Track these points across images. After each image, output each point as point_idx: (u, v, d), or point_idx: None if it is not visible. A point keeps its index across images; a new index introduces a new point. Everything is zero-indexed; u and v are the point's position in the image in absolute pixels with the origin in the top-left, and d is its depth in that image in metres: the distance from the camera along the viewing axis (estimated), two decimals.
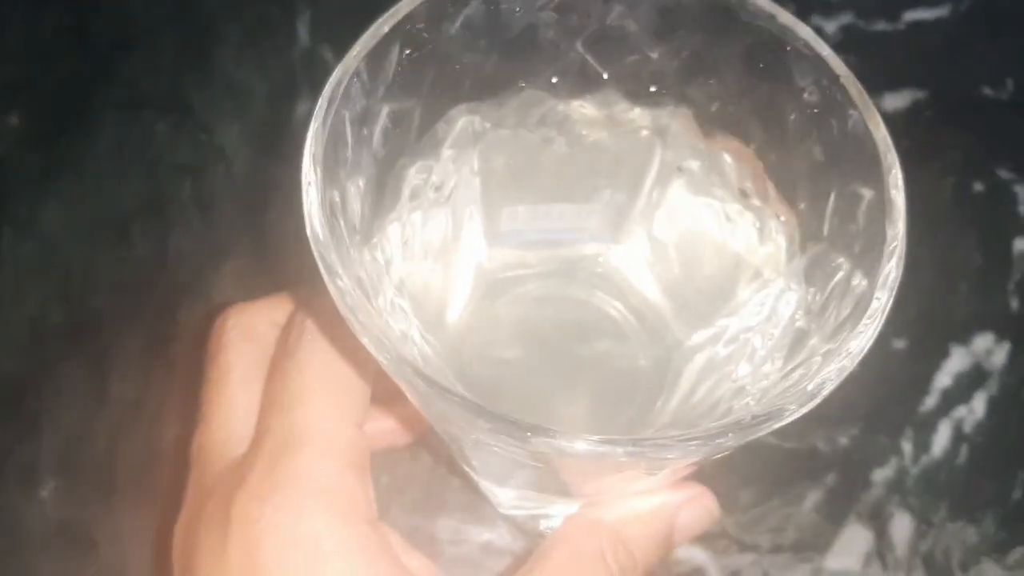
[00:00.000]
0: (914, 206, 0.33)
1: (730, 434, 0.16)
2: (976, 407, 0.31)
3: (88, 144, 0.35)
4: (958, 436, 0.31)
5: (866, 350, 0.17)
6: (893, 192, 0.18)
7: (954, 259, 0.34)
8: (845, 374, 0.17)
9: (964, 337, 0.32)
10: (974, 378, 0.32)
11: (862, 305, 0.18)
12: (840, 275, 0.19)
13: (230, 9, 0.38)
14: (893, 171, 0.18)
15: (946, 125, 0.36)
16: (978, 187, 0.35)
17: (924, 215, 0.34)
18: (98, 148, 0.35)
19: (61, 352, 0.32)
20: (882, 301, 0.17)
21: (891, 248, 0.18)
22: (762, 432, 0.16)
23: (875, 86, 0.36)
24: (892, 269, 0.18)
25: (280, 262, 0.31)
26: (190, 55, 0.37)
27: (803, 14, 0.38)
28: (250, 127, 0.35)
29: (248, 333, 0.23)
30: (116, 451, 0.30)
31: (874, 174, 0.19)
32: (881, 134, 0.19)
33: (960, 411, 0.31)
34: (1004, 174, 0.35)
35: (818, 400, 0.17)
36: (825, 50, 0.20)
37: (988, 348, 0.32)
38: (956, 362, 0.32)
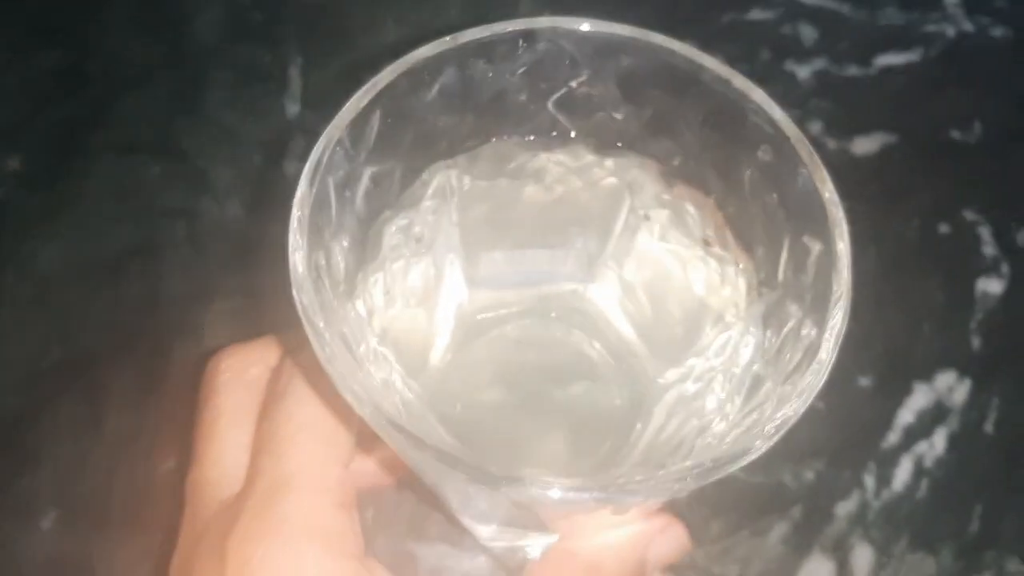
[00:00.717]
0: (882, 246, 0.35)
1: (688, 478, 0.17)
2: (937, 443, 0.32)
3: (85, 187, 0.36)
4: (919, 471, 0.32)
5: (811, 399, 0.18)
6: (839, 246, 0.20)
7: (919, 298, 0.35)
8: (792, 421, 0.18)
9: (927, 375, 0.34)
10: (936, 415, 0.33)
11: (810, 353, 0.19)
12: (792, 322, 0.21)
13: (222, 55, 0.39)
14: (839, 226, 0.20)
15: (914, 168, 0.38)
16: (944, 228, 0.37)
17: (891, 255, 0.36)
18: (94, 191, 0.36)
19: (58, 388, 0.33)
20: (828, 352, 0.19)
21: (836, 301, 0.19)
22: (717, 477, 0.18)
23: (846, 130, 0.38)
24: (838, 321, 0.19)
25: (270, 303, 0.33)
26: (183, 100, 0.38)
27: (777, 59, 0.40)
28: (241, 171, 0.36)
29: (240, 376, 0.24)
30: (112, 484, 0.31)
31: (822, 228, 0.20)
32: (828, 191, 0.20)
33: (921, 446, 0.32)
34: (970, 215, 0.37)
35: (769, 444, 0.18)
36: (777, 113, 0.21)
37: (950, 385, 0.33)
38: (919, 399, 0.33)
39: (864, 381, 0.33)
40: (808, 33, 0.41)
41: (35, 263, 0.35)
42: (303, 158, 0.33)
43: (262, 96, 0.38)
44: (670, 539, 0.23)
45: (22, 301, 0.34)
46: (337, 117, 0.20)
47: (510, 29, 0.21)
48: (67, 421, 0.32)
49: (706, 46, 0.40)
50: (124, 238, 0.35)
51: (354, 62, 0.39)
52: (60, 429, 0.32)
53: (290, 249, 0.18)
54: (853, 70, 0.40)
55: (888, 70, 0.40)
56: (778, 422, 0.18)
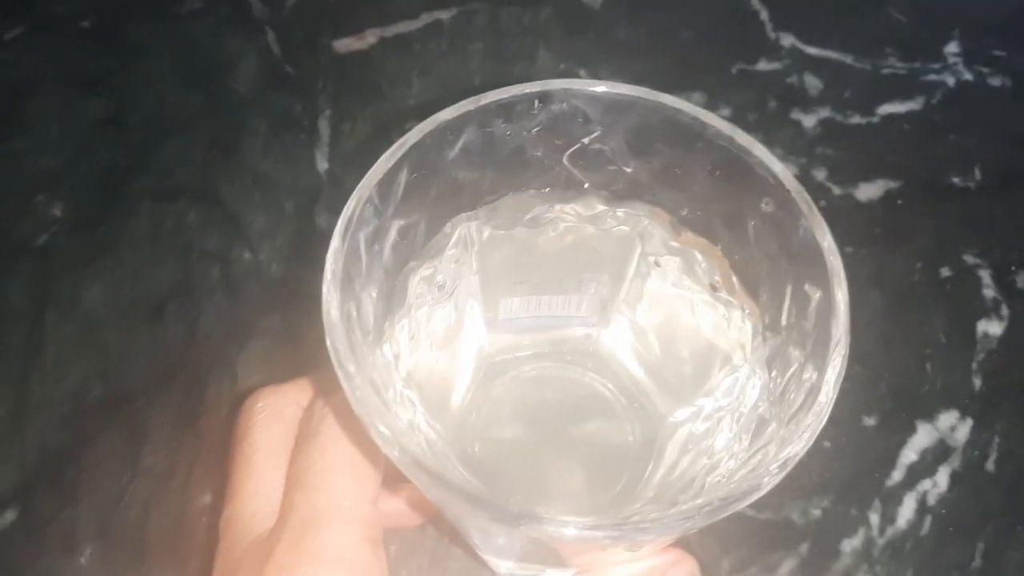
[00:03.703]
0: (885, 288, 0.36)
1: (697, 517, 0.18)
2: (940, 481, 0.33)
3: (125, 231, 0.38)
4: (923, 508, 0.33)
5: (813, 440, 0.19)
6: (838, 294, 0.20)
7: (922, 339, 0.36)
8: (795, 461, 0.19)
9: (930, 414, 0.34)
10: (938, 454, 0.34)
11: (812, 396, 0.20)
12: (795, 366, 0.22)
13: (257, 104, 0.41)
14: (838, 275, 0.21)
15: (917, 212, 0.39)
16: (945, 271, 0.37)
17: (895, 297, 0.37)
18: (134, 235, 0.38)
19: (99, 424, 0.34)
20: (828, 395, 0.19)
21: (835, 346, 0.20)
22: (725, 515, 0.19)
23: (851, 176, 0.39)
24: (837, 366, 0.20)
25: (301, 345, 0.34)
26: (220, 148, 0.40)
27: (784, 108, 0.42)
28: (274, 217, 0.38)
29: (275, 415, 0.25)
30: (149, 518, 0.32)
31: (822, 277, 0.21)
32: (827, 241, 0.21)
33: (925, 484, 0.33)
34: (970, 259, 0.38)
35: (774, 483, 0.19)
36: (778, 167, 0.22)
37: (952, 425, 0.34)
38: (922, 438, 0.34)
39: (869, 420, 0.34)
40: (813, 83, 0.42)
41: (78, 304, 0.37)
42: (331, 206, 0.36)
43: (294, 146, 0.40)
44: (682, 574, 0.24)
45: (65, 340, 0.36)
46: (367, 176, 0.21)
47: (527, 91, 0.23)
48: (106, 457, 0.33)
49: (716, 95, 0.43)
50: (162, 280, 0.37)
51: (381, 114, 0.41)
52: (99, 465, 0.33)
53: (324, 300, 0.19)
54: (857, 118, 0.41)
55: (890, 118, 0.41)
56: (782, 461, 0.19)
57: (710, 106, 0.41)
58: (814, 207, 0.22)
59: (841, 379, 0.20)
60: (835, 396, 0.20)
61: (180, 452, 0.33)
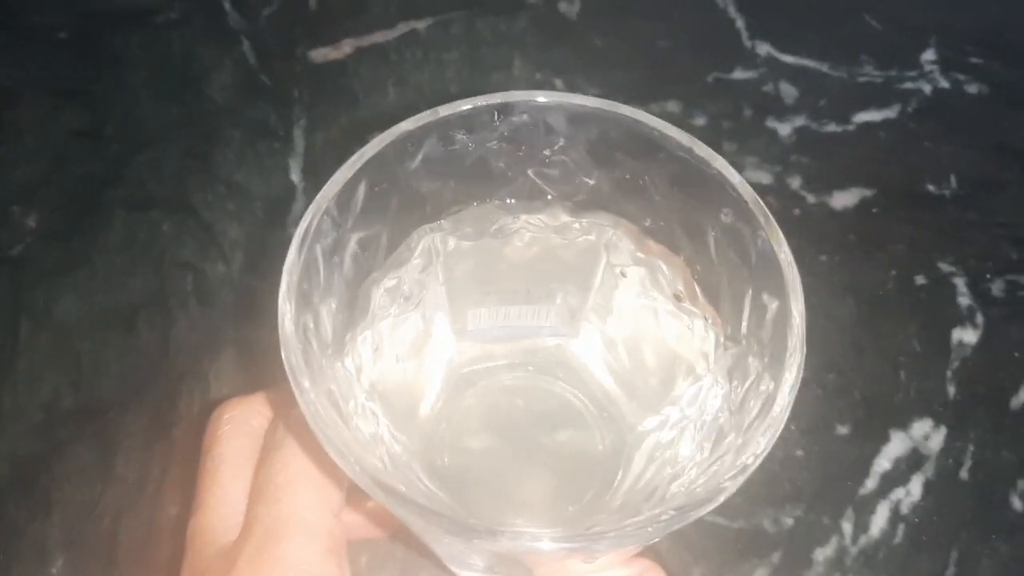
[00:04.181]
0: (859, 296, 0.36)
1: (652, 527, 0.18)
2: (913, 489, 0.33)
3: (99, 241, 0.38)
4: (896, 517, 0.33)
5: (767, 450, 0.19)
6: (793, 306, 0.21)
7: (896, 348, 0.36)
8: (750, 471, 0.19)
9: (903, 422, 0.34)
10: (912, 462, 0.34)
11: (767, 406, 0.20)
12: (753, 376, 0.22)
13: (232, 114, 0.41)
14: (794, 286, 0.21)
15: (892, 220, 0.39)
16: (920, 279, 0.38)
17: (869, 305, 0.37)
18: (108, 245, 0.38)
19: (71, 434, 0.34)
20: (782, 405, 0.20)
21: (790, 356, 0.20)
22: (681, 525, 0.19)
23: (826, 184, 0.40)
24: (792, 376, 0.20)
25: (272, 356, 0.34)
26: (194, 157, 0.40)
27: (760, 117, 0.42)
28: (247, 227, 0.38)
29: (241, 426, 0.25)
30: (119, 528, 0.32)
31: (779, 288, 0.21)
32: (784, 252, 0.21)
33: (898, 493, 0.33)
34: (945, 267, 0.38)
35: (728, 493, 0.19)
36: (736, 178, 0.22)
37: (926, 433, 0.34)
38: (896, 446, 0.34)
39: (842, 429, 0.34)
40: (789, 91, 0.43)
41: (51, 314, 0.37)
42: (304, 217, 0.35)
43: (268, 155, 0.40)
44: None
45: (38, 350, 0.36)
46: (324, 188, 0.21)
47: (487, 103, 0.23)
48: (78, 467, 0.33)
49: (692, 104, 0.43)
50: (136, 290, 0.37)
51: (357, 123, 0.41)
52: (71, 475, 0.33)
53: (279, 313, 0.20)
54: (832, 126, 0.41)
55: (866, 126, 0.41)
56: (736, 471, 0.19)
57: (686, 114, 0.42)
58: (771, 218, 0.22)
59: (796, 389, 0.20)
60: (790, 406, 0.20)
61: (152, 462, 0.33)
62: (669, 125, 0.23)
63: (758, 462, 0.19)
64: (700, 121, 0.42)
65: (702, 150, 0.23)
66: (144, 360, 0.35)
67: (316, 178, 0.39)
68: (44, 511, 0.33)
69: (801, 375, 0.20)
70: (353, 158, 0.22)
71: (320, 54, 0.44)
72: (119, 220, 0.39)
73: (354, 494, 0.25)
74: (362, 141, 0.22)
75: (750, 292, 0.22)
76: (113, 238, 0.38)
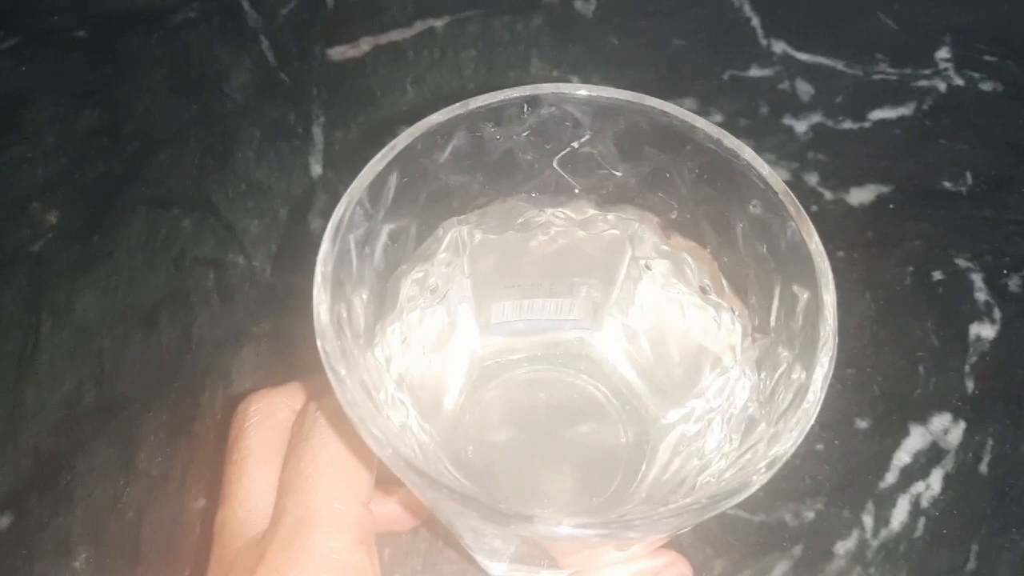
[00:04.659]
0: (877, 292, 0.36)
1: (685, 515, 0.18)
2: (933, 483, 0.33)
3: (119, 239, 0.38)
4: (916, 510, 0.33)
5: (801, 439, 0.19)
6: (825, 295, 0.21)
7: (914, 343, 0.36)
8: (783, 460, 0.19)
9: (923, 417, 0.34)
10: (931, 456, 0.34)
11: (800, 395, 0.20)
12: (784, 366, 0.22)
13: (251, 112, 0.42)
14: (825, 276, 0.21)
15: (908, 217, 0.39)
16: (937, 275, 0.38)
17: (887, 301, 0.37)
18: (129, 242, 0.38)
19: (93, 430, 0.34)
20: (816, 393, 0.20)
21: (823, 346, 0.20)
22: (713, 513, 0.19)
23: (842, 181, 0.40)
24: (824, 365, 0.20)
25: (295, 348, 0.34)
26: (214, 157, 0.40)
27: (776, 114, 0.42)
28: (267, 224, 0.38)
29: (268, 419, 0.25)
30: (143, 523, 0.32)
31: (809, 278, 0.21)
32: (815, 243, 0.21)
33: (918, 487, 0.33)
34: (961, 262, 0.38)
35: (761, 483, 0.19)
36: (765, 169, 0.22)
37: (945, 427, 0.34)
38: (915, 440, 0.34)
39: (862, 423, 0.34)
40: (805, 89, 0.43)
41: (72, 311, 0.37)
42: (325, 213, 0.36)
43: (288, 153, 0.40)
44: (675, 575, 0.24)
45: (59, 347, 0.36)
46: (357, 179, 0.21)
47: (516, 95, 0.23)
48: (101, 462, 0.33)
49: (708, 102, 0.43)
50: (157, 287, 0.37)
51: (375, 121, 0.41)
52: (94, 470, 0.33)
53: (314, 302, 0.20)
54: (848, 124, 0.41)
55: (882, 123, 0.41)
56: (770, 460, 0.19)
57: (702, 112, 0.41)
58: (801, 209, 0.22)
59: (829, 378, 0.20)
60: (823, 395, 0.20)
61: (174, 457, 0.34)
62: (697, 117, 0.23)
63: (792, 450, 0.19)
64: (716, 119, 0.42)
65: (731, 142, 0.23)
66: (166, 356, 0.36)
67: (336, 175, 0.39)
68: (67, 506, 0.33)
69: (834, 364, 0.20)
70: (384, 149, 0.22)
71: (338, 52, 0.44)
72: (139, 217, 0.39)
73: (382, 485, 0.25)
74: (381, 138, 0.22)
75: (779, 283, 0.23)
76: (133, 235, 0.38)
